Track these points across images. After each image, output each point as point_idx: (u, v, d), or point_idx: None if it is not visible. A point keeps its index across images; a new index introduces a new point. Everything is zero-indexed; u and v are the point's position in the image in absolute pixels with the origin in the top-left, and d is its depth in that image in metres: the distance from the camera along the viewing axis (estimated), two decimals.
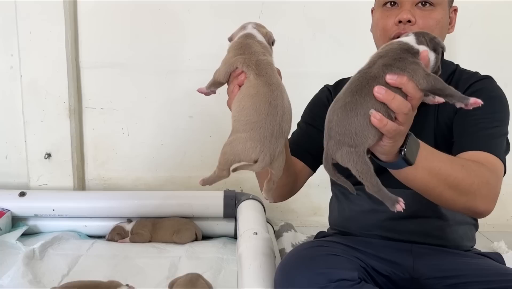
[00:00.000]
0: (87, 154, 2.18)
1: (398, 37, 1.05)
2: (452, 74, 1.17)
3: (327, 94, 1.28)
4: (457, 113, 1.09)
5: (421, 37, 0.82)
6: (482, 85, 1.11)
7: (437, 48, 0.83)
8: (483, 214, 0.95)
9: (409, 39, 0.83)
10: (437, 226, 1.14)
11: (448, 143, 1.08)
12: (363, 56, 1.13)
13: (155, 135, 2.16)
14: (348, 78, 1.16)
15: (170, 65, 2.09)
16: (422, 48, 0.81)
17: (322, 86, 1.34)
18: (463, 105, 0.78)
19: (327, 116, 0.82)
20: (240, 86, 0.86)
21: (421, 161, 0.85)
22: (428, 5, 1.10)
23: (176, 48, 2.09)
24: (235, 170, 0.87)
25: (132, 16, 2.06)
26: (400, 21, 1.09)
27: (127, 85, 2.12)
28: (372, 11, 1.24)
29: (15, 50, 2.02)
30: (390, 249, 1.11)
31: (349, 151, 0.78)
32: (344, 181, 0.89)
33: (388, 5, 1.14)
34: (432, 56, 0.82)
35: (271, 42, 0.95)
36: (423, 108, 1.09)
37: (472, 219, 1.19)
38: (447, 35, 1.19)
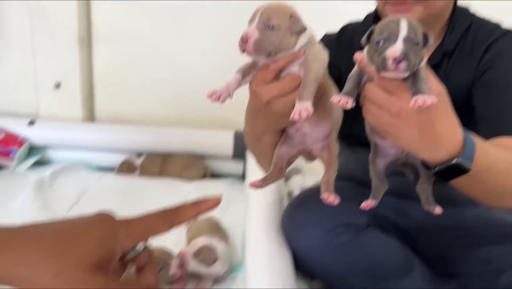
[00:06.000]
0: (96, 86, 2.15)
1: None
2: (467, 31, 0.97)
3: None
4: (477, 81, 0.93)
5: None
6: (504, 45, 0.94)
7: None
8: None
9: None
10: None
11: (457, 109, 0.98)
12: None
13: (167, 70, 2.10)
14: (356, 23, 1.06)
15: None
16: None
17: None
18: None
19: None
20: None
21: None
22: None
23: None
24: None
25: None
26: None
27: (139, 17, 2.03)
28: None
29: None
30: (401, 199, 1.09)
31: None
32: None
33: None
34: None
35: None
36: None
37: None
38: None
